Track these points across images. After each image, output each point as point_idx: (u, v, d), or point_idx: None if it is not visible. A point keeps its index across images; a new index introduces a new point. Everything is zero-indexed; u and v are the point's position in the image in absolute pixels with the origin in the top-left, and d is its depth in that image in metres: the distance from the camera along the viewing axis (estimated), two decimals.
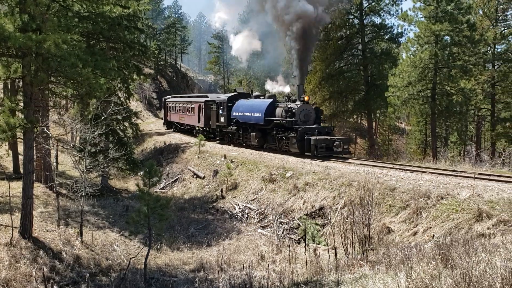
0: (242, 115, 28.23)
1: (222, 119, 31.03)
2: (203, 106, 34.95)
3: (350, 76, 40.80)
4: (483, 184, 14.66)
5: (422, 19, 30.02)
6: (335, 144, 22.55)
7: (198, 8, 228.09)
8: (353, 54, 41.18)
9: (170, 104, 46.96)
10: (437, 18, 29.01)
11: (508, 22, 34.81)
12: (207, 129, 35.27)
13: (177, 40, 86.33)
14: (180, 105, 42.64)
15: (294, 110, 24.09)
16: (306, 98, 24.89)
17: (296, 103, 24.76)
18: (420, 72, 29.59)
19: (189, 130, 41.47)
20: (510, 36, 33.99)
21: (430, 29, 28.58)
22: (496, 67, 35.10)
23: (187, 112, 40.13)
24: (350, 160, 22.22)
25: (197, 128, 37.85)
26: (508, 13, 34.56)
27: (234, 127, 29.88)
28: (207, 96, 37.45)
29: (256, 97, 29.65)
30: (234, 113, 29.31)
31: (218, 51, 75.53)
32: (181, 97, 48.91)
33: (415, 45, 30.72)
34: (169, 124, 48.39)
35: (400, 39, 38.09)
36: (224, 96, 31.84)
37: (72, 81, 14.58)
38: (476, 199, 12.93)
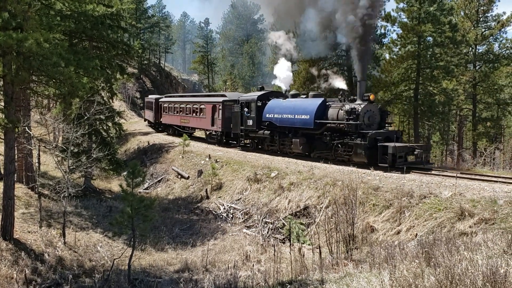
0: (279, 118, 23.93)
1: (250, 122, 26.47)
2: (220, 107, 30.16)
3: (335, 77, 40.92)
4: (465, 183, 14.86)
5: (405, 20, 30.34)
6: (415, 152, 18.59)
7: (182, 7, 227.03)
8: (337, 54, 41.38)
9: (165, 105, 41.53)
10: (420, 19, 29.35)
11: (488, 24, 35.38)
12: (223, 133, 30.85)
13: (161, 39, 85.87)
14: (182, 106, 37.29)
15: (358, 112, 19.87)
16: (371, 97, 20.73)
17: (357, 102, 20.58)
18: (403, 72, 29.91)
19: (190, 134, 37.09)
20: (491, 37, 34.56)
21: (413, 30, 28.91)
22: (477, 68, 35.65)
23: (194, 114, 34.76)
24: (435, 172, 17.92)
25: (207, 133, 33.65)
26: (489, 15, 35.12)
27: (267, 132, 25.29)
28: (224, 96, 32.18)
29: (294, 96, 25.05)
30: (267, 115, 24.98)
31: (202, 50, 75.26)
32: (181, 96, 43.93)
33: (398, 45, 31.06)
34: (163, 128, 43.47)
35: (383, 40, 38.43)
36: (252, 95, 27.32)
37: (54, 80, 14.41)
38: (458, 198, 13.10)
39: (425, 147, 19.86)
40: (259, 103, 25.89)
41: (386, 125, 21.01)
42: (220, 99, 30.83)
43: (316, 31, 30.45)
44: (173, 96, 44.80)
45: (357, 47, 20.69)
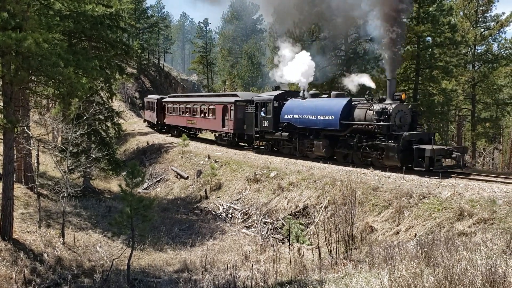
0: (299, 118, 22.57)
1: (266, 123, 25.07)
2: (232, 108, 28.59)
3: (333, 76, 40.99)
4: (464, 183, 14.87)
5: (405, 20, 30.35)
6: (453, 155, 17.52)
7: (181, 7, 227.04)
8: (336, 54, 41.40)
9: (169, 105, 39.81)
10: (419, 19, 29.38)
11: (487, 24, 35.43)
12: (235, 135, 29.33)
13: (160, 39, 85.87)
14: (189, 106, 35.59)
15: (389, 112, 18.64)
16: (403, 96, 19.37)
17: (387, 102, 19.31)
18: (402, 72, 29.93)
19: (196, 135, 36.76)
20: (490, 37, 34.60)
21: (412, 30, 28.93)
22: (476, 68, 35.69)
23: (202, 115, 33.11)
24: (476, 177, 16.69)
25: (217, 134, 32.04)
26: (488, 15, 35.17)
27: (285, 133, 23.83)
28: (236, 95, 30.34)
29: (313, 95, 23.85)
30: (285, 116, 23.62)
31: (201, 50, 75.31)
32: (187, 96, 41.98)
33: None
34: (167, 129, 41.59)
35: (382, 40, 38.41)
36: (268, 95, 25.81)
37: (53, 81, 14.40)
38: (457, 198, 13.11)
39: (462, 149, 18.46)
40: (276, 103, 24.61)
41: (418, 126, 19.84)
42: (232, 99, 29.25)
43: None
44: (178, 96, 42.95)
45: (390, 45, 19.84)
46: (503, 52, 34.34)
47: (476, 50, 35.66)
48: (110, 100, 27.48)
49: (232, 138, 29.64)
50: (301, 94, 24.87)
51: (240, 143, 30.09)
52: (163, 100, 41.72)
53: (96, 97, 23.26)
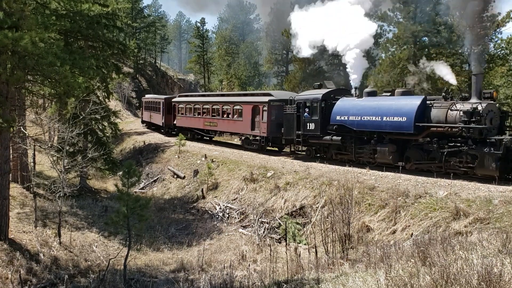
0: (356, 120, 19.70)
1: (311, 126, 21.94)
2: (265, 108, 25.44)
3: (330, 76, 41.07)
4: (460, 183, 14.90)
5: (401, 19, 30.44)
6: None
7: (178, 7, 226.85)
8: (333, 54, 41.46)
9: (180, 106, 36.30)
10: (416, 19, 29.44)
11: (483, 24, 35.51)
12: (268, 139, 26.00)
13: (157, 39, 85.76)
14: (207, 106, 32.16)
15: (481, 112, 15.78)
16: (494, 94, 16.93)
17: (473, 101, 16.58)
18: (399, 72, 29.99)
19: (210, 138, 34.50)
20: (486, 37, 34.67)
21: (408, 30, 29.01)
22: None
23: (225, 116, 29.77)
24: None
25: (243, 138, 28.76)
26: (484, 15, 35.25)
27: (336, 137, 20.65)
28: (269, 95, 26.91)
29: (370, 94, 20.80)
30: (337, 117, 20.65)
31: (198, 50, 75.28)
32: (203, 95, 38.51)
33: (394, 45, 31.15)
34: (178, 131, 35.44)
35: (379, 40, 38.55)
36: (314, 94, 22.53)
37: (49, 80, 14.36)
38: (453, 198, 13.15)
39: None
40: (324, 104, 21.68)
41: (508, 129, 17.02)
42: (265, 98, 26.10)
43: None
44: (192, 96, 39.83)
45: (479, 36, 18.30)
46: (499, 52, 34.42)
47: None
48: (106, 100, 27.45)
49: (265, 142, 26.30)
50: (353, 92, 22.24)
51: (268, 148, 27.13)
52: (173, 100, 38.18)
53: (93, 96, 23.27)
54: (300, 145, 23.50)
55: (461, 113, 16.18)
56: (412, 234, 12.35)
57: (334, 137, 20.78)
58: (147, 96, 50.07)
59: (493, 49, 35.11)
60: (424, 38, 30.54)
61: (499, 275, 5.86)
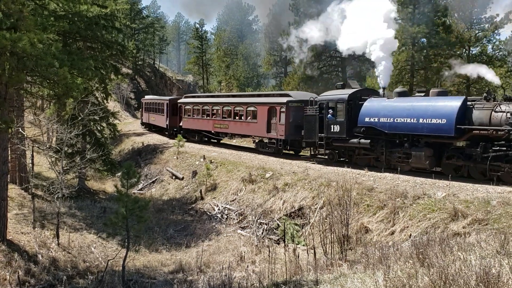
0: (389, 122, 18.47)
1: (336, 128, 20.66)
2: (283, 109, 24.17)
3: (329, 77, 41.17)
4: (459, 184, 14.92)
5: (400, 21, 30.46)
6: None
7: (177, 8, 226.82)
8: (331, 55, 41.55)
9: (187, 107, 34.63)
10: (414, 21, 29.49)
11: (482, 25, 35.58)
12: (286, 141, 24.76)
13: (156, 40, 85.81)
14: (216, 107, 30.80)
15: None
16: None
17: None
18: (397, 73, 30.03)
19: (218, 141, 33.26)
20: (484, 38, 34.75)
21: (407, 31, 29.04)
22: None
23: (237, 118, 28.46)
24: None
25: (257, 140, 28.10)
26: (482, 16, 35.32)
27: (365, 140, 19.40)
28: (287, 95, 25.52)
29: (401, 94, 19.66)
30: (365, 119, 19.42)
31: (197, 51, 75.29)
32: (212, 96, 36.70)
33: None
34: (184, 134, 33.51)
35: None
36: (339, 94, 21.18)
37: (48, 81, 14.35)
38: (451, 199, 13.17)
39: None
40: (350, 104, 20.40)
41: None
42: (283, 99, 24.80)
43: None
44: (199, 97, 38.17)
45: None
46: (497, 54, 34.51)
47: (470, 52, 35.81)
48: (105, 101, 27.43)
49: (283, 145, 24.90)
50: (381, 92, 21.26)
51: (285, 151, 25.86)
52: (179, 101, 36.47)
53: (91, 97, 23.24)
54: (323, 148, 21.78)
55: (509, 114, 15.16)
56: (410, 235, 12.37)
57: (362, 140, 19.54)
58: (147, 97, 49.51)
59: (491, 50, 35.25)
60: (422, 40, 30.58)
61: (497, 276, 5.86)
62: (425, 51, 30.33)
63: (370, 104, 19.74)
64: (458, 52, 33.81)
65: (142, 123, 49.30)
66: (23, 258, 13.02)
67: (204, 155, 26.56)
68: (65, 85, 13.73)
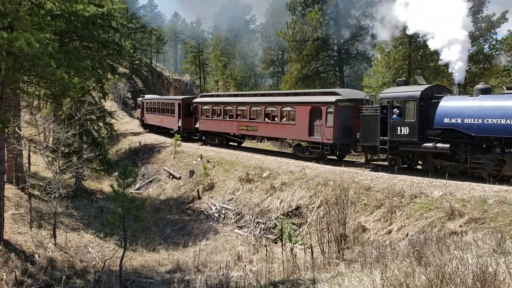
0: (476, 124, 15.83)
1: (404, 130, 17.90)
2: (331, 110, 21.12)
3: (326, 76, 41.16)
4: (455, 183, 14.96)
5: None
6: None
7: (173, 7, 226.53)
8: (329, 55, 41.56)
9: (204, 107, 31.67)
10: None
11: (479, 25, 35.66)
12: (335, 145, 21.69)
13: (152, 39, 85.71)
14: (242, 108, 27.96)
15: None
16: None
17: None
18: (394, 73, 30.06)
19: (239, 143, 31.01)
20: (481, 38, 34.82)
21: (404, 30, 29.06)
22: (468, 69, 35.87)
23: (268, 119, 25.53)
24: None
25: (294, 144, 25.57)
26: (479, 16, 35.40)
27: (443, 144, 16.67)
28: (335, 93, 22.25)
29: (484, 91, 16.87)
30: (445, 120, 16.77)
31: (194, 50, 75.22)
32: (235, 96, 32.36)
33: (390, 46, 31.22)
34: (200, 136, 32.80)
35: (374, 41, 38.66)
36: (409, 91, 18.45)
37: (45, 81, 14.31)
38: (448, 198, 13.20)
39: None
40: (423, 104, 17.80)
41: None
42: (330, 98, 21.69)
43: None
44: (219, 96, 34.79)
45: None
46: (494, 53, 34.57)
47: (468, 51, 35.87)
48: (102, 100, 27.38)
49: (329, 150, 21.85)
50: (455, 89, 19.38)
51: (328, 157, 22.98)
52: (194, 101, 33.48)
53: (88, 97, 23.17)
54: (386, 153, 19.00)
55: None
56: (407, 234, 12.39)
57: (439, 145, 16.81)
58: (147, 96, 47.91)
59: (488, 49, 35.33)
60: (419, 39, 30.61)
61: (493, 275, 5.88)
62: (421, 50, 30.35)
63: (449, 103, 17.18)
64: None
65: (143, 125, 47.10)
66: (20, 258, 12.99)
67: (201, 155, 26.55)
68: (62, 85, 13.69)
